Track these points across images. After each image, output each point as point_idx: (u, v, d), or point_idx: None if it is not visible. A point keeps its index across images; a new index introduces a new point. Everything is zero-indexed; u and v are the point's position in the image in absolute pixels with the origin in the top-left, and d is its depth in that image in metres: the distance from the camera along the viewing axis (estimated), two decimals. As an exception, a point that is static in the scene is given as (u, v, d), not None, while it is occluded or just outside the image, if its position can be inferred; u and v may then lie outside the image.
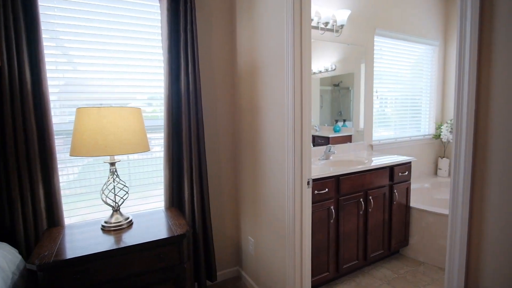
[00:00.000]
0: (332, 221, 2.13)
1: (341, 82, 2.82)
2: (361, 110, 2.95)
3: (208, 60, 2.17)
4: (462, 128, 0.86)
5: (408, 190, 2.63)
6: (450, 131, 3.56)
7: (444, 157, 3.71)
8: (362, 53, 2.94)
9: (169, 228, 1.55)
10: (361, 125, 2.98)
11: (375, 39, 3.03)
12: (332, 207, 2.12)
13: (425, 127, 3.71)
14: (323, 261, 2.14)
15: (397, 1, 3.18)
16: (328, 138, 2.77)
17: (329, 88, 2.76)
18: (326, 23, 2.54)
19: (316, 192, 2.02)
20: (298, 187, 1.70)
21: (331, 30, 2.65)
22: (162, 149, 2.00)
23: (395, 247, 2.59)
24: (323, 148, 2.70)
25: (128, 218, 1.62)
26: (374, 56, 3.05)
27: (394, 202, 2.52)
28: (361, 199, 2.29)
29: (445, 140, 3.60)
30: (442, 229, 2.50)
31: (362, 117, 2.97)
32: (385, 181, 2.44)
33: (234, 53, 2.22)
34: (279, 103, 1.71)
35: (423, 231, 2.62)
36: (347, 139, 2.89)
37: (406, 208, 2.65)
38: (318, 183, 2.03)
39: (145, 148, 1.52)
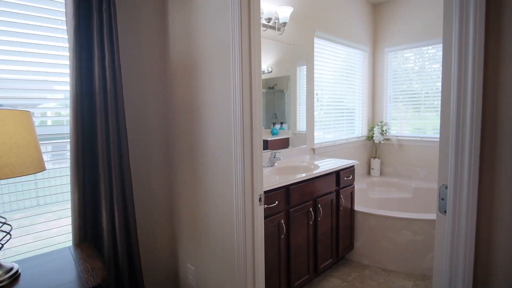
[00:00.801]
0: (282, 236, 1.92)
1: (276, 85, 2.74)
2: (297, 112, 2.87)
3: (133, 52, 1.76)
4: (466, 130, 0.69)
5: (352, 194, 2.61)
6: (381, 133, 3.74)
7: (376, 157, 3.89)
8: (303, 54, 2.85)
9: (78, 277, 1.12)
10: (298, 127, 2.90)
11: (314, 41, 2.97)
12: (282, 221, 1.91)
13: (359, 129, 3.84)
14: (274, 281, 1.91)
15: (334, 6, 3.19)
16: (267, 141, 2.62)
17: (264, 90, 2.64)
18: (269, 19, 2.35)
19: (265, 206, 1.78)
20: (248, 204, 1.43)
21: (273, 27, 2.47)
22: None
23: (342, 253, 2.53)
24: (267, 154, 2.50)
25: (11, 269, 1.13)
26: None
27: (341, 208, 2.45)
28: (311, 209, 2.14)
29: (377, 142, 3.77)
30: (384, 231, 2.53)
31: (299, 119, 2.89)
32: (333, 187, 2.36)
33: (166, 44, 1.84)
34: (225, 105, 1.43)
35: (367, 234, 2.62)
36: (285, 142, 2.77)
37: (351, 212, 2.62)
38: (267, 195, 1.79)
39: (36, 168, 1.06)
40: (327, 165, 2.41)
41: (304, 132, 2.95)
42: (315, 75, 3.02)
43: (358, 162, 2.69)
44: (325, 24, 3.08)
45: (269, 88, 2.70)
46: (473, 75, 0.66)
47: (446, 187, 0.87)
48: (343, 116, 3.57)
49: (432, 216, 2.44)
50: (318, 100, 3.12)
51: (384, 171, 3.90)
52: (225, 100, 1.42)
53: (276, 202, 1.85)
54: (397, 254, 2.49)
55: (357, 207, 2.69)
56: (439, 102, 3.69)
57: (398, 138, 3.73)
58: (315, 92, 3.05)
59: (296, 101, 2.86)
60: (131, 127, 1.75)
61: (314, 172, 2.18)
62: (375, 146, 3.93)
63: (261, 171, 1.47)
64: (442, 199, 0.88)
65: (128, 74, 1.73)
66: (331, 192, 2.34)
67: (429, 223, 2.40)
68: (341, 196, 2.44)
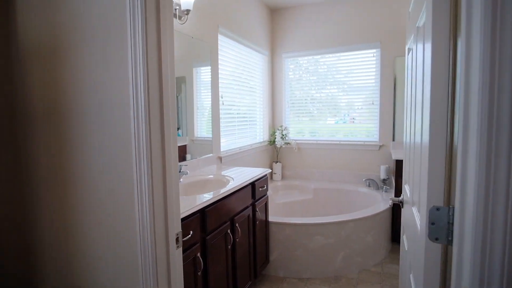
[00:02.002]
0: (200, 273, 1.53)
1: (168, 87, 2.32)
2: (195, 117, 2.52)
3: None
4: (502, 137, 0.50)
5: (266, 205, 2.43)
6: (281, 137, 3.77)
7: (277, 161, 3.90)
8: (206, 52, 2.52)
9: None
10: (196, 133, 2.56)
11: (218, 38, 2.69)
12: (199, 254, 1.52)
13: (261, 134, 3.77)
14: (192, 332, 1.50)
15: (235, 4, 2.98)
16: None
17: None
18: (168, 2, 1.91)
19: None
20: (162, 250, 1.00)
21: (174, 14, 2.04)
22: None
23: (260, 271, 2.31)
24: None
25: None
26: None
27: (257, 222, 2.23)
28: (229, 230, 1.82)
29: (279, 146, 3.78)
30: (299, 239, 2.45)
31: (196, 125, 2.54)
32: (249, 201, 2.10)
33: (11, 15, 1.18)
34: (119, 102, 0.95)
35: (282, 244, 2.49)
36: (183, 150, 2.39)
37: (266, 224, 2.43)
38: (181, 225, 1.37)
39: None
40: (240, 176, 2.14)
41: (204, 138, 2.61)
42: (219, 76, 2.73)
43: (270, 170, 2.53)
44: (228, 21, 2.84)
45: (161, 91, 2.25)
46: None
47: (438, 209, 0.70)
48: (246, 121, 3.41)
49: (340, 217, 2.51)
50: (223, 104, 2.84)
51: (285, 175, 3.95)
52: (119, 97, 0.95)
53: (191, 233, 1.45)
54: (311, 260, 2.45)
55: (271, 217, 2.53)
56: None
57: (296, 141, 3.84)
58: (220, 94, 2.76)
59: (193, 105, 2.49)
60: None
61: (230, 186, 1.87)
62: (276, 151, 3.95)
63: (177, 198, 1.06)
64: (433, 223, 0.71)
65: None
66: (247, 207, 2.08)
67: (339, 225, 2.45)
68: (257, 209, 2.22)
